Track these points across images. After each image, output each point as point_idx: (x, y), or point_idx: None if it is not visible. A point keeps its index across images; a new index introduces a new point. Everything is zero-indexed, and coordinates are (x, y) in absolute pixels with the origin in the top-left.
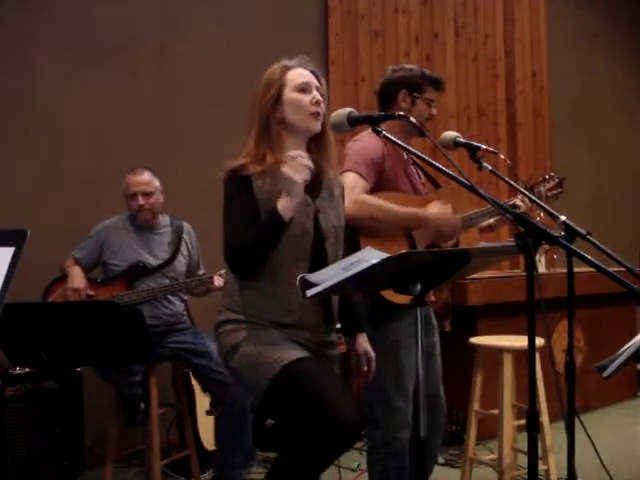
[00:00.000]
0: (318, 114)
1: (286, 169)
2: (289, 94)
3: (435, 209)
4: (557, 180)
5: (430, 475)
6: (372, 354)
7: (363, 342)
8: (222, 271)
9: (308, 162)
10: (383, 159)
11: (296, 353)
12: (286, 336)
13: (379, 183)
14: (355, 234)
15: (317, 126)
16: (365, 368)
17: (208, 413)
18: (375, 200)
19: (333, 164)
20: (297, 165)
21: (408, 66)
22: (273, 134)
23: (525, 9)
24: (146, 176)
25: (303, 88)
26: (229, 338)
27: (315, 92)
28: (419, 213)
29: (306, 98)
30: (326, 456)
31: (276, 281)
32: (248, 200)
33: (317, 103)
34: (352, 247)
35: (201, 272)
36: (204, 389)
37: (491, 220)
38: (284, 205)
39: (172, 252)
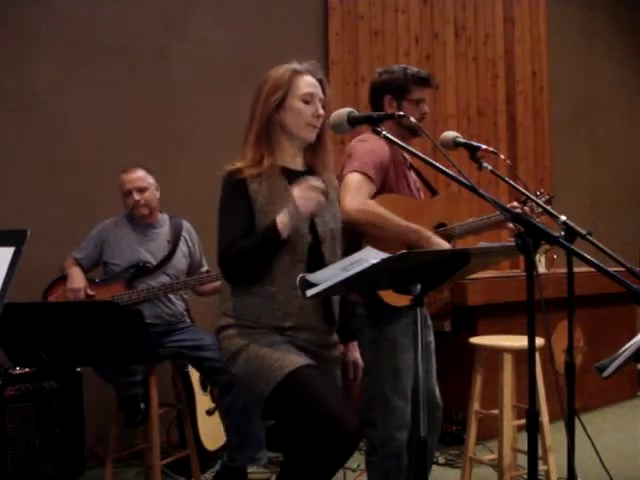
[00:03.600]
0: (315, 126)
1: (297, 193)
2: (293, 102)
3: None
4: (547, 197)
5: (429, 473)
6: (360, 363)
7: (354, 351)
8: None
9: (322, 198)
10: (389, 163)
11: (297, 360)
12: (286, 340)
13: (382, 186)
14: (358, 237)
15: (312, 137)
16: (352, 377)
17: (208, 413)
18: (380, 209)
19: (329, 168)
20: (310, 196)
21: (392, 68)
22: (272, 136)
23: (525, 9)
24: (139, 173)
25: (307, 99)
26: (230, 344)
27: (318, 105)
28: (421, 231)
29: (309, 110)
30: (329, 466)
31: (274, 284)
32: (243, 204)
33: (318, 117)
34: (354, 249)
35: (204, 269)
36: (206, 384)
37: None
38: (283, 222)
39: (170, 249)
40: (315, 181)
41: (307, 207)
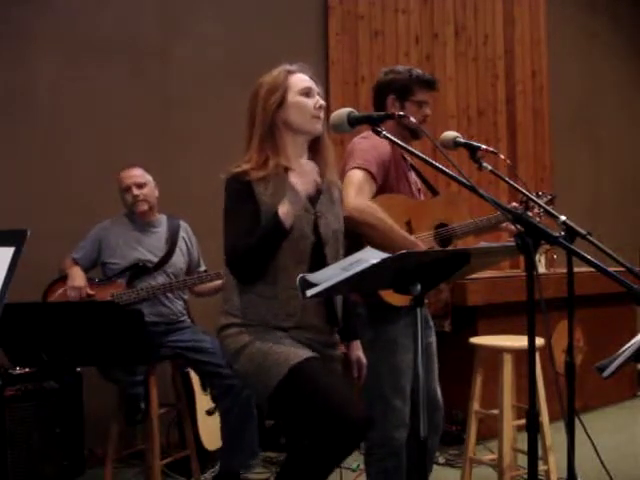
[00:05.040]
0: (320, 118)
1: (293, 177)
2: (294, 97)
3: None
4: (549, 197)
5: (430, 474)
6: (364, 361)
7: (357, 349)
8: None
9: (316, 176)
10: (390, 161)
11: (302, 352)
12: (290, 336)
13: (383, 185)
14: (359, 237)
15: (319, 128)
16: (356, 374)
17: (208, 413)
18: (380, 214)
19: (331, 168)
20: (305, 176)
21: (398, 68)
22: (277, 137)
23: (525, 9)
24: (137, 170)
25: (307, 92)
26: (233, 341)
27: (317, 97)
28: (416, 244)
29: (310, 102)
30: (337, 455)
31: (276, 285)
32: (249, 206)
33: (320, 107)
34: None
35: (202, 269)
36: (206, 385)
37: None
38: (285, 211)
39: (168, 248)
40: (306, 162)
41: (304, 188)
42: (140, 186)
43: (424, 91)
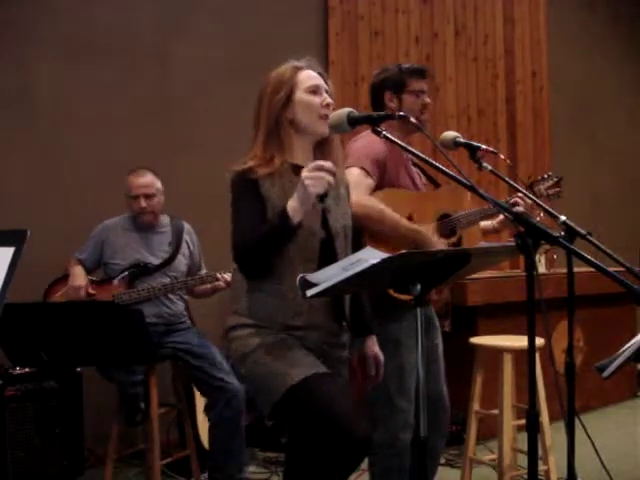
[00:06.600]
0: (327, 116)
1: (305, 175)
2: (300, 95)
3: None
4: (555, 179)
5: (434, 477)
6: (381, 358)
7: (373, 345)
8: (227, 274)
9: (331, 178)
10: (386, 157)
11: (303, 371)
12: (298, 343)
13: (381, 180)
14: (360, 235)
15: (326, 130)
16: (373, 372)
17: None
18: (380, 205)
19: (339, 164)
20: (318, 177)
21: (387, 66)
22: (282, 135)
23: (525, 9)
24: (148, 178)
25: (314, 90)
26: (241, 344)
27: (325, 95)
28: (421, 232)
29: (317, 100)
30: (340, 472)
31: (285, 282)
32: (256, 202)
33: (327, 106)
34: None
35: (203, 272)
36: (200, 391)
37: (495, 224)
38: (294, 207)
39: (172, 251)
40: (323, 162)
41: (316, 187)
42: (148, 197)
43: (417, 79)
